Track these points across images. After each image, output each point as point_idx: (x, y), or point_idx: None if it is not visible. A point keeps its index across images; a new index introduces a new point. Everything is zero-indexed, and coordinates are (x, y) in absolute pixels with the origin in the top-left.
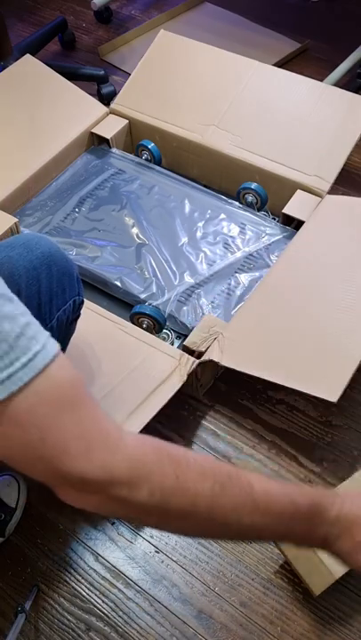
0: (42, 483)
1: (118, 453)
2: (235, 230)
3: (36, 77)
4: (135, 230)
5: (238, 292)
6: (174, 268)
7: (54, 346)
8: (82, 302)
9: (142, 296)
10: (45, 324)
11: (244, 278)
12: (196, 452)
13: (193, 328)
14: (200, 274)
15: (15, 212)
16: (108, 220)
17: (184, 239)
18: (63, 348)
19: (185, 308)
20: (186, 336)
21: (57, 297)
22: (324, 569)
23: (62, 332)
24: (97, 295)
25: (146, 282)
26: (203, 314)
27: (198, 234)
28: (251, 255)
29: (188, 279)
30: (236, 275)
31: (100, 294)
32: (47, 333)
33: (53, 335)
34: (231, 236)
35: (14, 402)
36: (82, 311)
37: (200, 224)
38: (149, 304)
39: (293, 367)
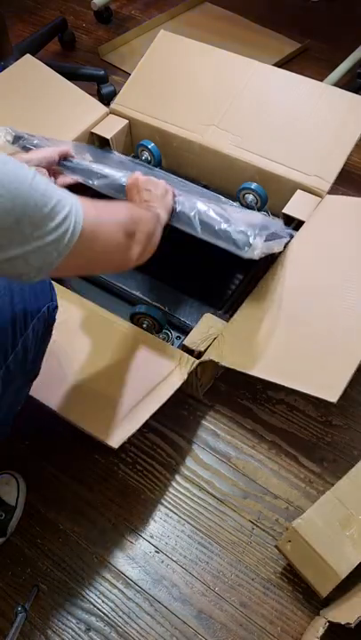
0: (40, 481)
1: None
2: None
3: (36, 78)
4: None
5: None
6: None
7: (79, 205)
8: (56, 307)
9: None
10: (20, 334)
11: None
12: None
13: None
14: None
15: None
16: None
17: None
18: (41, 356)
19: None
20: (187, 333)
21: (30, 305)
22: (330, 570)
23: (38, 340)
24: (97, 295)
25: None
26: None
27: None
28: None
29: None
30: None
31: (101, 294)
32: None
33: (29, 344)
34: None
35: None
36: (82, 311)
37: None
38: None
39: (293, 367)
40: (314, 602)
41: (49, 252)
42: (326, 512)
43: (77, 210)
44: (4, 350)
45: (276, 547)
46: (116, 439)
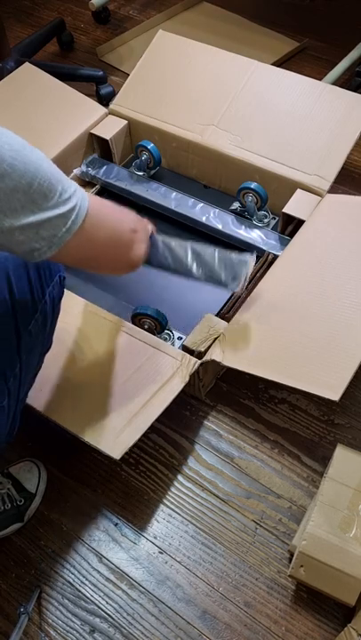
0: None
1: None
2: None
3: (34, 84)
4: None
5: None
6: None
7: (84, 192)
8: (64, 278)
9: None
10: (39, 300)
11: None
12: None
13: None
14: None
15: None
16: None
17: None
18: (54, 327)
19: None
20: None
21: (44, 273)
22: (349, 578)
23: (54, 309)
24: (98, 296)
25: None
26: None
27: None
28: None
29: None
30: None
31: (102, 295)
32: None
33: (47, 313)
34: None
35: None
36: (83, 312)
37: None
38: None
39: (295, 366)
40: (318, 601)
41: (58, 224)
42: (324, 522)
43: (83, 194)
44: (27, 315)
45: (289, 576)
46: (117, 450)
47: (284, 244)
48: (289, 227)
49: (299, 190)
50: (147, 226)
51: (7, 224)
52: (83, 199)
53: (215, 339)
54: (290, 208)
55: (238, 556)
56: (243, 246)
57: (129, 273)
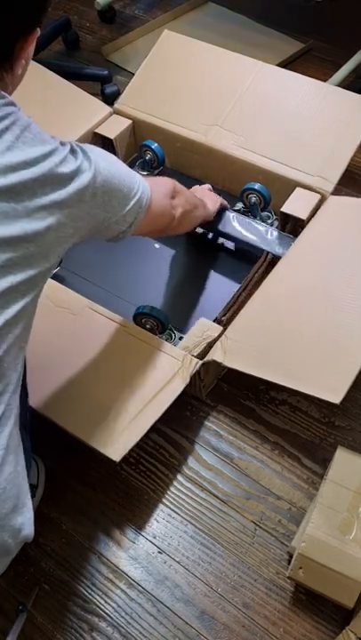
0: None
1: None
2: None
3: (39, 82)
4: None
5: None
6: None
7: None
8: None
9: None
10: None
11: None
12: None
13: None
14: None
15: None
16: None
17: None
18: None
19: None
20: None
21: None
22: (348, 580)
23: None
24: (100, 295)
25: None
26: None
27: None
28: None
29: None
30: None
31: (104, 294)
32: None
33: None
34: None
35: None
36: (84, 312)
37: None
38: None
39: (296, 368)
40: (316, 603)
41: (136, 210)
42: (323, 524)
43: (144, 182)
44: None
45: (288, 578)
46: (117, 452)
47: (286, 243)
48: (287, 225)
49: (298, 189)
50: (186, 194)
51: (113, 219)
52: (144, 186)
53: (209, 343)
54: (288, 207)
55: (237, 556)
56: (244, 245)
57: (174, 233)
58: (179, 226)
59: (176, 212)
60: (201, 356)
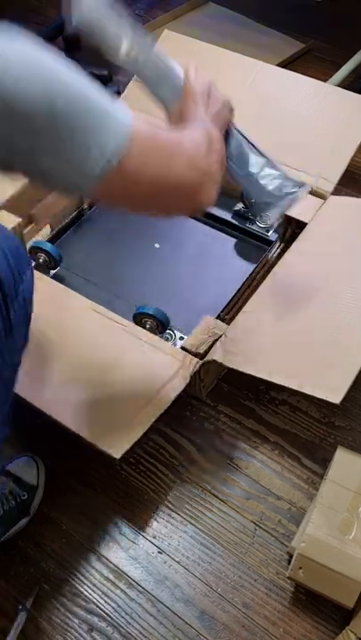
0: None
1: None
2: None
3: None
4: None
5: None
6: None
7: (127, 114)
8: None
9: None
10: (20, 281)
11: None
12: None
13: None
14: None
15: (22, 213)
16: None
17: None
18: (30, 320)
19: None
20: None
21: (17, 277)
22: (348, 580)
23: (31, 294)
24: (100, 295)
25: None
26: None
27: None
28: None
29: None
30: None
31: (104, 294)
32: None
33: (27, 295)
34: None
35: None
36: (85, 312)
37: None
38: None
39: (297, 368)
40: (316, 603)
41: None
42: (323, 524)
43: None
44: (10, 293)
45: (288, 578)
46: (118, 449)
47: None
48: (289, 228)
49: None
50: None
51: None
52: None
53: (215, 341)
54: (291, 210)
55: (237, 556)
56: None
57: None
58: (196, 210)
59: (204, 196)
60: (205, 354)
